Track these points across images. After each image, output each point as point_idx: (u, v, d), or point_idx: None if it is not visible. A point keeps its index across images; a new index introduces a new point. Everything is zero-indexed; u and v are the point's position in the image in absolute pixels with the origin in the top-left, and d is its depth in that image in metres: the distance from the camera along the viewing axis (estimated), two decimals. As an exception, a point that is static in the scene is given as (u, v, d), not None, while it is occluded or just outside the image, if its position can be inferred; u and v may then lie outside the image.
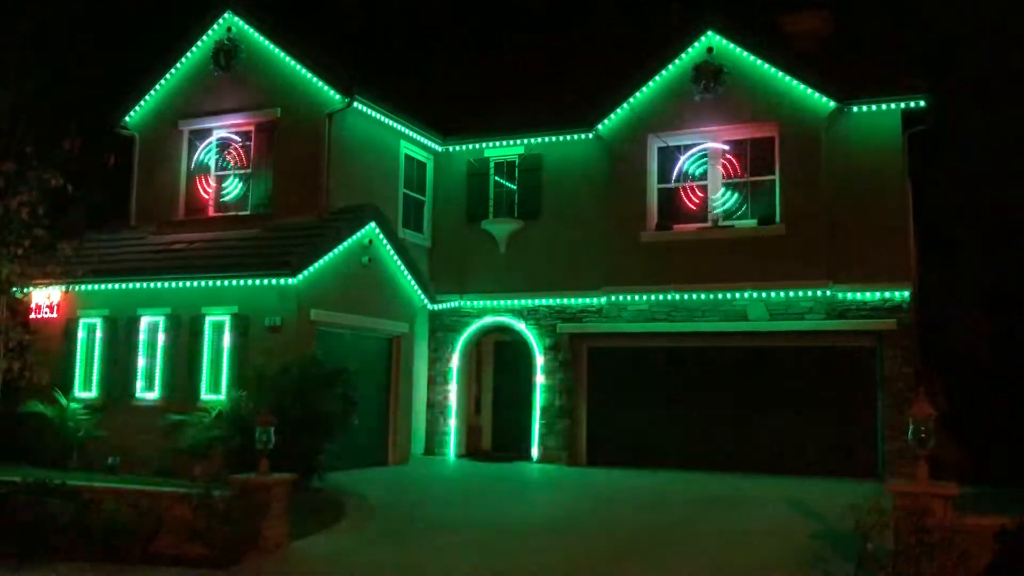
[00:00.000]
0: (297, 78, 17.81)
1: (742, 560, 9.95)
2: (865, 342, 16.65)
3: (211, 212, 18.50)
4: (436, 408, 19.64)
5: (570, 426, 18.51)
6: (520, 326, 19.16)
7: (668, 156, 18.07)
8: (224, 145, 18.64)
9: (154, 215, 18.73)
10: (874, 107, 16.65)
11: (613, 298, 18.21)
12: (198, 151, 18.81)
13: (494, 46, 24.94)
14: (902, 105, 16.45)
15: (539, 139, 19.21)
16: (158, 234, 18.20)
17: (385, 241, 17.74)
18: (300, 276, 15.48)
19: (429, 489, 14.99)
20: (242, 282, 15.82)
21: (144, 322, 16.62)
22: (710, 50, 17.46)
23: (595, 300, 18.42)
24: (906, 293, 16.32)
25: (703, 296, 17.46)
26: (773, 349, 17.35)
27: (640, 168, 18.03)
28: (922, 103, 16.32)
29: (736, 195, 17.56)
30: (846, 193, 16.64)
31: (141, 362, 16.57)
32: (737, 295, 17.17)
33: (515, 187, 19.53)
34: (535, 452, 18.65)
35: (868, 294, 16.45)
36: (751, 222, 17.30)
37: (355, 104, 17.59)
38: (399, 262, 18.22)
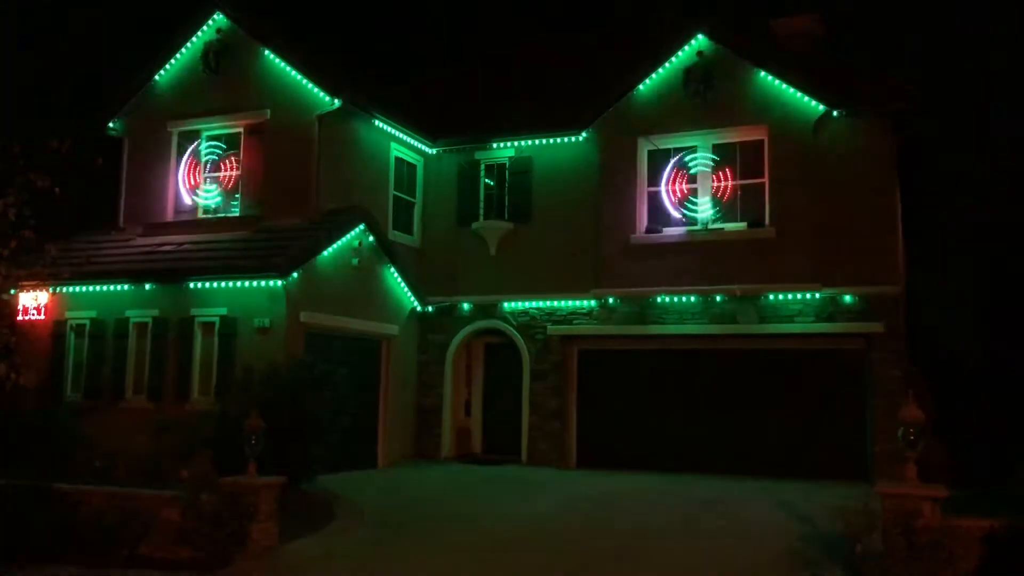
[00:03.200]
0: (287, 80, 17.76)
1: (731, 562, 9.95)
2: (854, 344, 16.69)
3: (200, 214, 18.44)
4: (426, 410, 19.58)
5: (560, 428, 18.50)
6: (510, 328, 19.14)
7: (658, 159, 18.08)
8: (213, 146, 18.57)
9: (142, 216, 18.66)
10: (863, 111, 16.71)
11: (603, 300, 18.22)
12: (187, 153, 18.73)
13: (485, 49, 24.95)
14: (891, 109, 16.51)
15: (529, 141, 19.20)
16: (146, 236, 18.13)
17: (375, 243, 17.72)
18: (289, 278, 15.44)
19: (419, 492, 14.95)
20: (231, 284, 15.76)
21: (132, 324, 16.53)
22: (700, 53, 17.50)
23: (585, 302, 18.42)
24: (895, 296, 16.38)
25: (692, 299, 17.48)
26: (763, 351, 17.37)
27: (630, 171, 18.05)
28: (911, 107, 16.38)
29: (726, 198, 17.59)
30: (835, 196, 16.68)
31: (129, 364, 16.48)
32: (727, 298, 17.20)
33: (506, 189, 19.53)
34: (525, 455, 18.63)
35: (857, 297, 16.48)
36: (740, 225, 17.33)
37: (345, 106, 17.56)
38: (389, 264, 18.20)
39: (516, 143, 19.33)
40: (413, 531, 11.69)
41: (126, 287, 16.53)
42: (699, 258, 17.32)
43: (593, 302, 18.34)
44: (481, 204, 19.68)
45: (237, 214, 17.94)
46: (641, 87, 17.94)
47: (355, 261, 17.18)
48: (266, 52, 17.99)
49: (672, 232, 17.75)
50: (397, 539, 11.29)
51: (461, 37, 30.84)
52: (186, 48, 18.71)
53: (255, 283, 15.57)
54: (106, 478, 14.39)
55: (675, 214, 17.88)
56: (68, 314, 17.04)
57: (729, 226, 17.42)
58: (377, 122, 18.65)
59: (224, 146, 18.45)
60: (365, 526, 11.98)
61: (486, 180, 19.75)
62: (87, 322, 16.89)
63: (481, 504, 13.64)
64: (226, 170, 18.41)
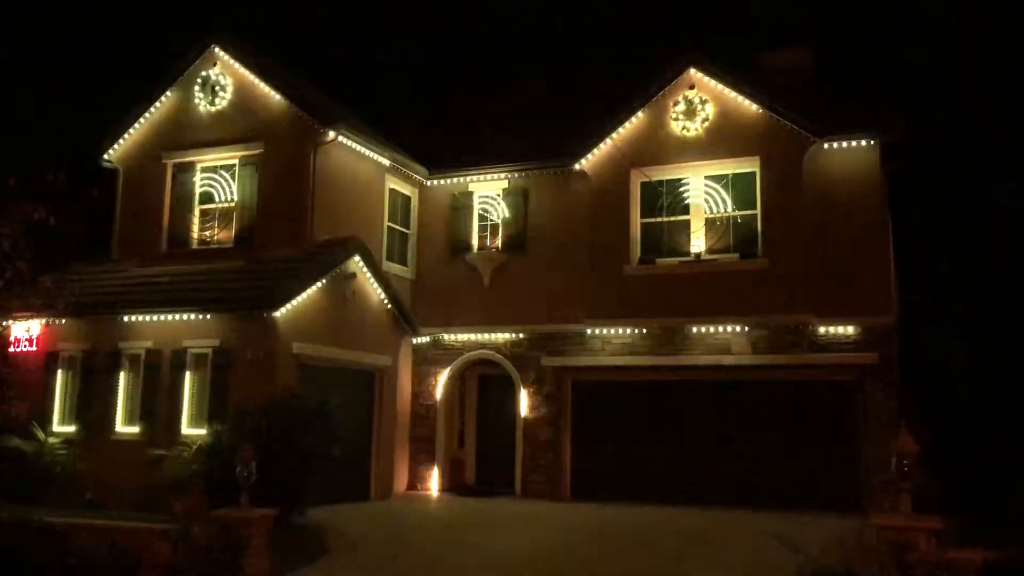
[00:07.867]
0: (282, 111, 17.88)
1: (727, 595, 9.88)
2: (848, 375, 16.70)
3: (194, 245, 18.44)
4: (419, 442, 19.50)
5: (554, 460, 18.42)
6: (504, 359, 19.12)
7: (651, 190, 18.18)
8: (208, 178, 18.63)
9: (137, 248, 18.66)
10: (854, 143, 16.85)
11: (597, 331, 18.23)
12: (182, 184, 18.77)
13: (479, 81, 25.14)
14: (881, 140, 16.66)
15: (523, 173, 19.32)
16: (140, 267, 18.12)
17: (369, 274, 17.73)
18: (283, 309, 15.42)
19: (411, 525, 14.84)
20: (224, 316, 15.71)
21: (125, 355, 16.47)
22: (691, 86, 17.66)
23: (579, 333, 18.42)
24: (888, 326, 16.42)
25: (686, 330, 17.50)
26: (756, 383, 17.37)
27: (623, 202, 18.12)
28: (901, 138, 16.53)
29: (718, 229, 17.66)
30: (827, 227, 16.77)
31: (121, 396, 16.39)
32: (720, 329, 17.23)
33: (499, 220, 19.60)
34: (519, 486, 18.53)
35: (850, 327, 16.52)
36: (733, 256, 17.39)
37: (340, 138, 17.67)
38: (383, 295, 18.20)
39: (510, 174, 19.45)
40: (406, 566, 11.59)
41: (119, 319, 16.49)
42: (692, 289, 17.34)
43: (587, 333, 18.34)
44: (475, 235, 19.75)
45: (231, 245, 17.95)
46: (633, 119, 18.07)
47: (349, 292, 17.18)
48: (261, 84, 18.12)
49: (665, 263, 17.80)
50: (389, 574, 11.19)
51: (456, 69, 31.11)
52: (182, 79, 18.84)
53: (248, 315, 15.53)
54: (97, 510, 14.29)
55: (668, 245, 17.93)
56: (60, 345, 16.97)
57: (722, 257, 17.48)
58: (371, 154, 18.75)
59: (219, 177, 18.51)
60: (358, 560, 11.87)
61: (480, 211, 19.82)
62: (80, 354, 16.82)
63: (475, 538, 13.52)
64: (220, 201, 18.44)
